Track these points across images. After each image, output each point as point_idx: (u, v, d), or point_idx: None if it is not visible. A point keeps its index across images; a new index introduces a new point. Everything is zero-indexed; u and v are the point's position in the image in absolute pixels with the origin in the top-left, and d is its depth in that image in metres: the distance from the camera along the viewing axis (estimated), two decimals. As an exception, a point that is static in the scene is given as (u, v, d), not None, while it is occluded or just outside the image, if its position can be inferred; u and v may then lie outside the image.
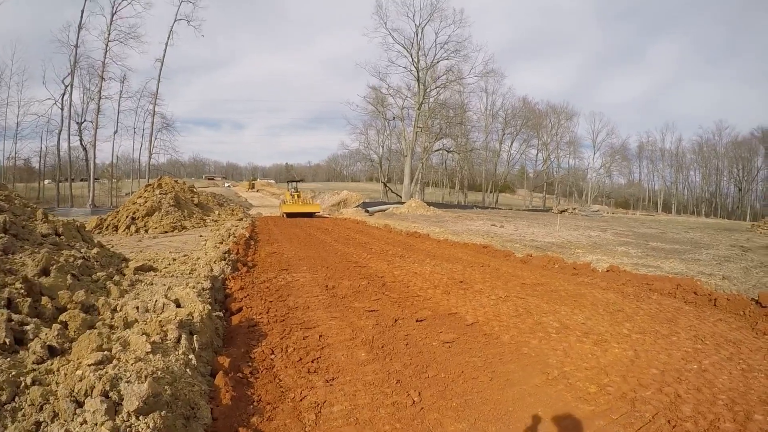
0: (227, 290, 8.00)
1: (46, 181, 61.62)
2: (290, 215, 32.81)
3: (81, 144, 51.34)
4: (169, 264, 9.70)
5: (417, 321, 6.27)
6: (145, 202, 21.98)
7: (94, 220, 19.99)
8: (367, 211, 39.22)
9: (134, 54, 66.74)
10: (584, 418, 3.74)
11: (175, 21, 50.63)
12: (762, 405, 3.96)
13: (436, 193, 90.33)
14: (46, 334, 4.34)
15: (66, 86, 47.32)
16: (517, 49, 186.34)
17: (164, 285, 7.23)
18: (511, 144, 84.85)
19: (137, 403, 3.02)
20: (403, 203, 44.96)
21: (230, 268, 9.51)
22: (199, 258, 10.57)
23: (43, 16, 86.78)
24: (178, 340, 4.28)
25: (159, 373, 3.54)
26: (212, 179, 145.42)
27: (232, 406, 3.70)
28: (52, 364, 3.88)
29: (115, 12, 46.33)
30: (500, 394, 4.13)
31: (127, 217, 20.17)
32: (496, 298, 7.73)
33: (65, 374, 3.57)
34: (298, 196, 37.00)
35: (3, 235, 6.87)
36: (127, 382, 3.25)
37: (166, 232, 19.62)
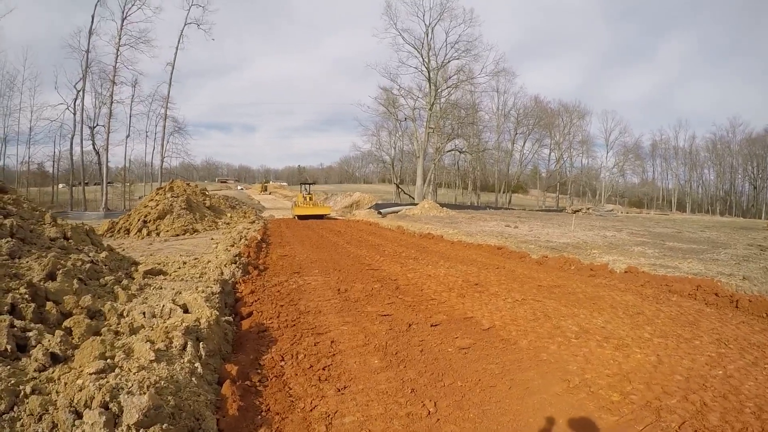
0: (238, 294, 7.86)
1: (60, 185, 62.13)
2: (302, 217, 33.09)
3: (94, 148, 51.86)
4: (179, 267, 9.59)
5: (432, 326, 6.06)
6: (157, 205, 21.99)
7: (106, 224, 20.04)
8: (379, 213, 39.03)
9: (145, 58, 67.17)
10: (608, 429, 3.53)
11: (185, 25, 51.00)
12: (792, 413, 3.72)
13: (448, 194, 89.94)
14: (48, 341, 4.21)
15: (78, 91, 47.89)
16: (528, 48, 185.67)
17: (173, 289, 7.09)
18: (524, 144, 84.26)
19: (137, 416, 2.87)
20: (415, 204, 44.66)
21: (241, 271, 9.38)
22: (209, 261, 10.45)
23: (54, 22, 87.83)
24: (184, 347, 4.13)
25: (162, 382, 3.39)
26: (225, 182, 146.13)
27: (239, 416, 3.53)
28: (53, 372, 3.76)
29: (126, 17, 46.74)
30: (520, 403, 3.93)
31: (138, 220, 20.17)
32: (513, 301, 7.51)
33: (65, 383, 3.44)
34: (310, 198, 37.04)
35: (10, 239, 6.77)
36: (129, 393, 3.11)
37: (177, 235, 19.59)
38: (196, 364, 3.92)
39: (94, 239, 9.31)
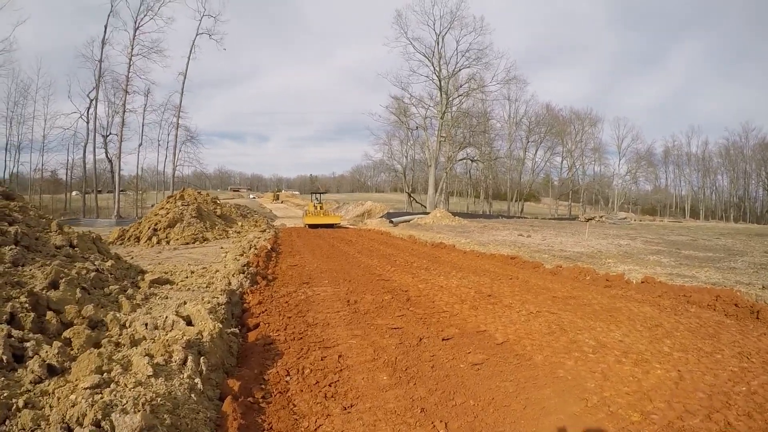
0: (245, 304, 7.69)
1: (73, 193, 62.63)
2: (312, 226, 33.09)
3: (106, 156, 52.46)
4: (187, 277, 9.47)
5: (443, 340, 5.84)
6: (167, 213, 21.97)
7: (116, 231, 20.05)
8: (391, 222, 38.92)
9: (157, 68, 67.56)
10: (630, 453, 3.31)
11: (197, 35, 51.35)
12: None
13: (460, 202, 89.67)
14: (46, 352, 4.07)
15: (91, 100, 48.40)
16: (539, 56, 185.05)
17: (179, 299, 6.95)
18: (536, 152, 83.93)
19: (129, 436, 2.70)
20: (427, 213, 44.48)
21: (249, 281, 9.21)
22: (217, 271, 10.33)
23: (68, 32, 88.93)
24: (184, 361, 3.95)
25: (159, 399, 3.21)
26: (237, 191, 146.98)
27: (239, 436, 3.35)
28: (48, 385, 3.62)
29: (138, 27, 47.20)
30: (535, 425, 3.70)
31: (149, 228, 20.15)
32: (527, 313, 7.27)
33: (59, 398, 3.30)
34: (321, 208, 37.10)
35: (14, 246, 6.67)
36: (123, 410, 2.94)
37: (187, 243, 19.53)
38: (196, 380, 3.75)
39: (101, 247, 9.21)
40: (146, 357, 3.83)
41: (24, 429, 2.92)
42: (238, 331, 5.89)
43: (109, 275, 7.60)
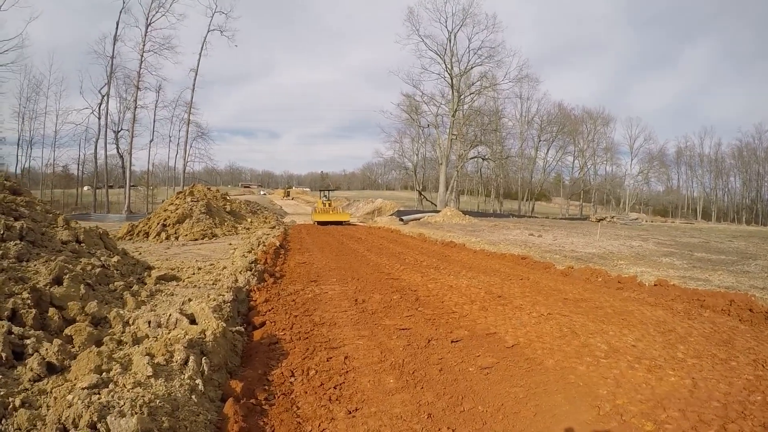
0: (251, 302, 7.61)
1: (85, 188, 63.13)
2: (321, 223, 33.32)
3: (118, 152, 52.95)
4: (194, 273, 9.40)
5: (452, 342, 5.70)
6: (177, 209, 21.98)
7: (126, 227, 20.10)
8: (401, 220, 38.86)
9: (169, 64, 68.19)
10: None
11: (208, 31, 51.73)
12: None
13: (471, 201, 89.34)
14: (46, 350, 3.99)
15: (103, 96, 48.90)
16: (552, 54, 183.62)
17: (185, 296, 6.88)
18: (547, 151, 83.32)
19: (124, 441, 2.60)
20: (438, 212, 44.33)
21: (256, 278, 9.12)
22: (225, 267, 10.26)
23: (80, 28, 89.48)
24: (186, 362, 3.85)
25: (158, 401, 3.11)
26: (248, 187, 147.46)
27: (240, 440, 3.24)
28: (47, 384, 3.54)
29: (150, 23, 47.62)
30: (546, 433, 3.57)
31: (158, 224, 20.18)
32: (538, 315, 7.11)
33: (56, 397, 3.22)
34: (330, 205, 37.14)
35: (18, 241, 6.61)
36: (119, 413, 2.84)
37: (196, 239, 19.53)
38: (197, 381, 3.65)
39: (108, 243, 9.16)
40: (147, 356, 3.74)
41: (20, 429, 2.84)
42: (243, 329, 5.79)
43: (114, 271, 7.54)
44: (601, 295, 8.87)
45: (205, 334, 4.51)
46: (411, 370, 4.75)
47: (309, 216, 41.53)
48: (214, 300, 6.08)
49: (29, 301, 4.93)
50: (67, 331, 4.64)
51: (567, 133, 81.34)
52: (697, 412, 3.95)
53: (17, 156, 53.87)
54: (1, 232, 6.68)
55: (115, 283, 6.92)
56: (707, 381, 4.65)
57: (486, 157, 66.54)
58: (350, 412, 3.79)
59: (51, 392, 3.36)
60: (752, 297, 8.13)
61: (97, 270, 6.95)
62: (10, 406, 3.07)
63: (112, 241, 9.74)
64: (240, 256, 12.24)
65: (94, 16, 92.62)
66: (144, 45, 47.65)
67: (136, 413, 2.84)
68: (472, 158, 65.65)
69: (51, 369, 3.83)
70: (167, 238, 19.29)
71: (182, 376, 3.63)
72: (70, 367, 3.81)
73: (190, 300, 6.11)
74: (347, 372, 4.67)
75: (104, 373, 3.48)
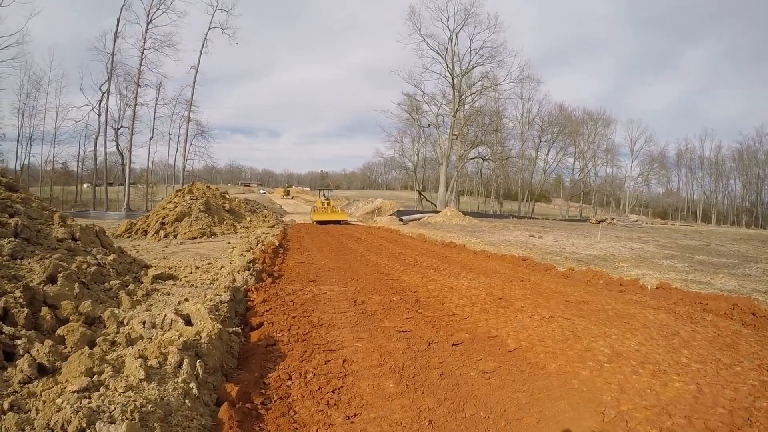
0: (249, 302, 7.50)
1: (85, 185, 63.05)
2: (320, 222, 33.44)
3: (117, 149, 52.94)
4: (191, 272, 9.30)
5: (453, 345, 5.59)
6: (175, 207, 21.87)
7: (124, 224, 20.00)
8: (401, 220, 38.78)
9: (169, 61, 68.03)
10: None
11: (209, 29, 51.67)
12: None
13: (471, 202, 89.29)
14: (37, 350, 3.88)
15: (103, 93, 48.84)
16: (553, 55, 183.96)
17: (181, 296, 6.77)
18: (548, 152, 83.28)
19: (112, 449, 2.50)
20: (438, 212, 44.25)
21: (254, 278, 9.00)
22: (222, 266, 10.15)
23: (81, 24, 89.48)
24: (180, 364, 3.74)
25: (149, 406, 3.01)
26: (248, 186, 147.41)
27: (234, 446, 3.14)
28: (37, 386, 3.44)
29: (150, 20, 47.57)
30: (550, 441, 3.47)
31: (156, 222, 20.07)
32: (540, 318, 7.01)
33: (44, 401, 3.12)
34: (328, 204, 37.27)
35: (13, 239, 6.51)
36: (109, 418, 2.75)
37: (194, 238, 19.42)
38: (191, 384, 3.54)
39: (104, 241, 9.06)
40: (139, 359, 3.63)
41: (7, 433, 2.73)
42: (240, 330, 5.69)
43: (110, 270, 7.44)
44: (603, 297, 8.78)
45: (200, 336, 4.40)
46: (411, 374, 4.65)
47: (308, 215, 41.57)
48: (211, 300, 5.99)
49: (22, 300, 4.83)
50: (60, 331, 4.53)
51: (567, 135, 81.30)
52: (702, 418, 3.87)
53: (17, 152, 53.75)
54: (-4, 229, 6.60)
55: (111, 282, 6.82)
56: (712, 386, 4.57)
57: (486, 157, 66.50)
58: (349, 418, 3.69)
59: (41, 395, 3.27)
60: (755, 301, 8.09)
61: (93, 268, 6.85)
62: (-1, 408, 2.96)
63: (109, 239, 9.63)
64: (238, 255, 12.14)
65: (94, 12, 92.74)
66: (145, 42, 47.65)
67: (126, 419, 2.74)
68: (472, 158, 65.60)
69: (42, 370, 3.73)
70: (165, 236, 19.18)
71: (176, 380, 3.53)
72: (61, 368, 3.71)
73: (186, 300, 6.00)
74: (346, 375, 4.57)
75: (95, 376, 3.38)
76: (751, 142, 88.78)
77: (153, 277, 8.00)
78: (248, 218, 29.58)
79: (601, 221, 53.18)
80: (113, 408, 2.86)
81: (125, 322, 5.12)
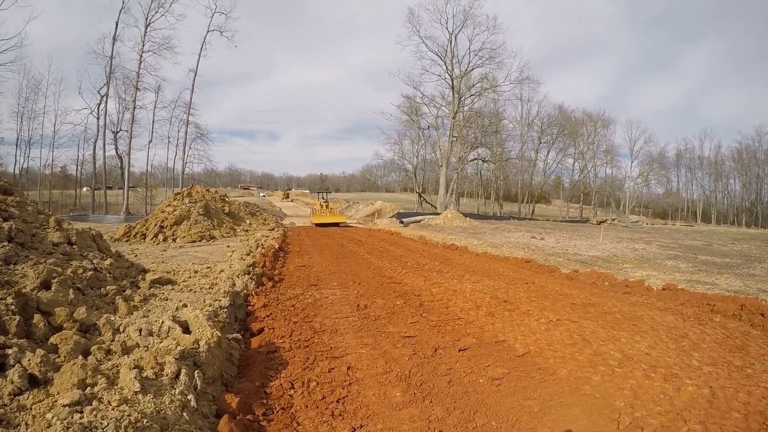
0: (249, 307, 7.34)
1: (84, 189, 62.90)
2: (319, 225, 33.56)
3: (116, 152, 52.83)
4: (190, 277, 9.13)
5: (460, 350, 5.43)
6: (174, 210, 21.71)
7: (123, 228, 19.85)
8: (401, 222, 38.67)
9: (168, 65, 68.34)
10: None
11: (207, 32, 51.50)
12: None
13: (470, 203, 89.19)
14: (28, 360, 3.70)
15: (102, 96, 48.70)
16: (553, 56, 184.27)
17: (180, 301, 6.62)
18: (548, 153, 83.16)
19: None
20: (438, 214, 44.10)
21: (254, 282, 8.83)
22: (222, 271, 9.98)
23: (79, 28, 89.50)
24: (177, 375, 3.57)
25: (145, 420, 2.85)
26: (247, 189, 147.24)
27: (235, 462, 2.97)
28: (27, 399, 3.26)
29: (149, 24, 47.43)
30: (566, 452, 3.31)
31: (155, 225, 19.91)
32: (547, 321, 6.85)
33: (34, 415, 2.96)
34: (327, 206, 37.42)
35: (6, 243, 6.34)
36: (102, 436, 2.58)
37: (194, 241, 19.27)
38: (189, 396, 3.37)
39: (101, 245, 8.89)
40: (135, 370, 3.45)
41: (-4, 449, 2.58)
42: (240, 336, 5.53)
43: (107, 274, 7.27)
44: (608, 299, 8.66)
45: (198, 344, 4.23)
46: (418, 382, 4.49)
47: (308, 218, 41.55)
48: (210, 306, 5.82)
49: (14, 307, 4.65)
50: (53, 339, 4.36)
51: (567, 136, 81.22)
52: (718, 424, 3.77)
53: (16, 156, 53.64)
54: (-11, 233, 6.43)
55: (107, 287, 6.65)
56: (725, 390, 4.46)
57: (486, 159, 66.43)
58: (355, 430, 3.53)
59: (31, 409, 3.11)
60: (763, 301, 7.98)
61: (89, 273, 6.68)
62: (-13, 423, 2.81)
63: (106, 243, 9.45)
64: (238, 258, 11.98)
65: (93, 16, 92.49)
66: (143, 45, 47.45)
67: (120, 435, 2.57)
68: (472, 160, 65.49)
69: (33, 381, 3.55)
70: (164, 239, 19.02)
71: (173, 392, 3.36)
72: (53, 379, 3.54)
73: (184, 305, 5.84)
74: (350, 384, 4.40)
75: (88, 389, 3.20)
76: (750, 141, 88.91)
77: (151, 281, 7.83)
78: (248, 221, 29.44)
79: (601, 222, 53.14)
80: (106, 423, 2.69)
81: (121, 330, 4.96)
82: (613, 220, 60.90)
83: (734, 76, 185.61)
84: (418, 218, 41.97)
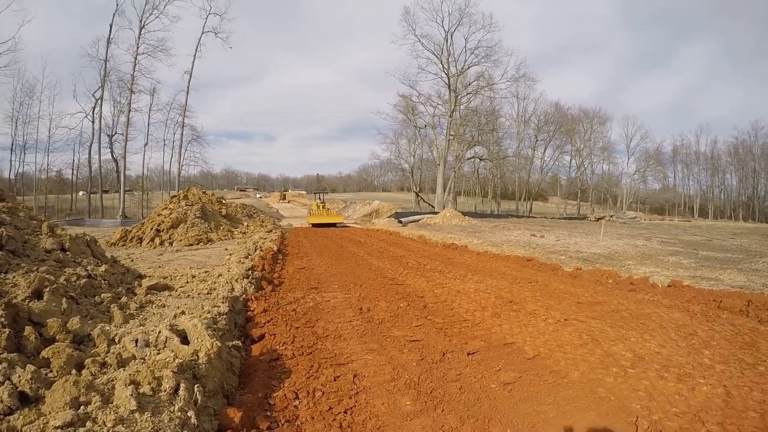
0: (249, 312, 7.14)
1: (80, 193, 62.67)
2: (316, 225, 34.08)
3: (112, 156, 52.67)
4: (187, 282, 8.94)
5: (468, 354, 5.25)
6: (171, 213, 21.51)
7: (119, 232, 19.64)
8: (400, 222, 38.63)
9: (163, 67, 67.80)
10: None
11: (202, 33, 51.47)
12: None
13: (468, 202, 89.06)
14: (19, 377, 3.50)
15: (96, 99, 48.57)
16: (549, 54, 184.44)
17: (177, 308, 6.41)
18: (544, 150, 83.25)
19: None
20: (436, 213, 44.06)
21: (254, 286, 8.62)
22: (220, 275, 9.79)
23: (73, 31, 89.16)
24: (176, 390, 3.38)
25: (143, 441, 2.66)
26: (244, 190, 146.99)
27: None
28: (17, 419, 3.06)
29: (143, 26, 47.27)
30: (589, 461, 3.15)
31: (151, 229, 19.70)
32: (554, 321, 6.71)
33: (24, 439, 2.75)
34: (324, 207, 37.61)
35: (-3, 251, 6.14)
36: (96, 459, 2.39)
37: (191, 244, 19.06)
38: (189, 413, 3.18)
39: (96, 251, 8.68)
40: (131, 386, 3.25)
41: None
42: (240, 343, 5.32)
43: (102, 281, 7.08)
44: (614, 297, 8.56)
45: (198, 356, 4.03)
46: (428, 389, 4.31)
47: (305, 219, 41.50)
48: (209, 312, 5.63)
49: (3, 319, 4.45)
50: (45, 352, 4.15)
51: (564, 133, 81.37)
52: (736, 424, 3.67)
53: (11, 161, 53.69)
54: (-22, 242, 6.23)
55: (102, 295, 6.46)
56: (740, 389, 4.36)
57: (483, 157, 66.50)
58: (364, 443, 3.34)
59: (22, 431, 2.91)
60: (768, 297, 7.86)
61: (83, 281, 6.49)
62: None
63: (101, 249, 9.24)
64: (236, 262, 11.78)
65: (87, 19, 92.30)
66: (138, 47, 47.27)
67: (115, 460, 2.39)
68: (469, 159, 65.58)
69: (24, 399, 3.35)
70: (161, 243, 18.82)
71: (172, 408, 3.16)
72: (45, 397, 3.35)
73: (182, 313, 5.63)
74: (357, 393, 4.22)
75: (81, 408, 3.01)
76: (746, 136, 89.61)
77: (147, 288, 7.64)
78: (245, 223, 29.26)
79: (599, 219, 53.10)
80: (100, 446, 2.51)
81: (117, 340, 4.76)
82: (611, 216, 60.90)
83: (730, 73, 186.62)
84: (416, 218, 41.90)
